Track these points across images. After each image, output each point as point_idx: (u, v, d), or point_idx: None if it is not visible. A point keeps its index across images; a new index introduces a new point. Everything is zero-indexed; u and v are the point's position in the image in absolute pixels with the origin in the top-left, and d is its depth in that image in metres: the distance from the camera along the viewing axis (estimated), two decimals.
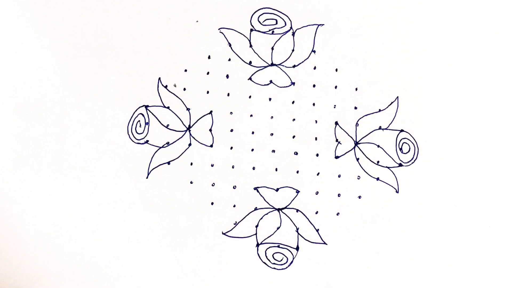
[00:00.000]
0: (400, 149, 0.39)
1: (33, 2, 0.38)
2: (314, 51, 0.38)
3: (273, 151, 0.39)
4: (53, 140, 0.39)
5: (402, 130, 0.39)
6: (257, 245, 0.39)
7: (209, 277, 0.39)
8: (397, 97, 0.38)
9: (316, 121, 0.39)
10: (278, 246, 0.39)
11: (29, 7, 0.38)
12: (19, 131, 0.39)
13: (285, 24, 0.38)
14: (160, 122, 0.38)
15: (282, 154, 0.39)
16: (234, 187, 0.39)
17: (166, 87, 0.38)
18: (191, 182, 0.39)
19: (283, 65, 0.38)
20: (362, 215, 0.39)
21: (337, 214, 0.39)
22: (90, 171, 0.39)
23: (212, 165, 0.39)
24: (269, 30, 0.38)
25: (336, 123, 0.39)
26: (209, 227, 0.39)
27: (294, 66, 0.38)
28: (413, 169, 0.39)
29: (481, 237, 0.38)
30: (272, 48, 0.38)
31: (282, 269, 0.39)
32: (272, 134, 0.39)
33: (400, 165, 0.39)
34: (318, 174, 0.39)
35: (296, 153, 0.39)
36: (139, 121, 0.39)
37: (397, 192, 0.39)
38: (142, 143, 0.39)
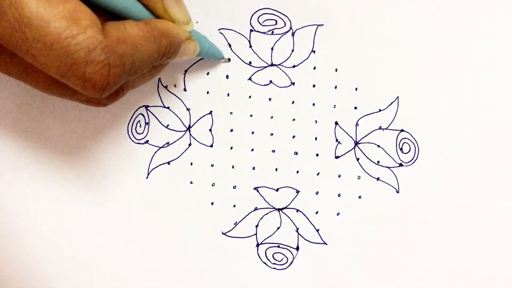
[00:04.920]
0: (401, 149, 0.39)
1: None
2: (314, 51, 0.38)
3: (273, 151, 0.39)
4: (53, 140, 0.39)
5: (402, 130, 0.39)
6: (257, 245, 0.39)
7: (209, 277, 0.39)
8: (397, 97, 0.38)
9: (316, 121, 0.39)
10: (278, 246, 0.39)
11: None
12: (19, 130, 0.39)
13: (285, 25, 0.38)
14: (160, 122, 0.39)
15: (282, 154, 0.39)
16: (234, 187, 0.39)
17: (166, 87, 0.39)
18: (191, 182, 0.39)
19: (283, 65, 0.39)
20: (363, 215, 0.39)
21: (337, 214, 0.39)
22: (90, 171, 0.39)
23: (212, 165, 0.39)
24: (269, 31, 0.38)
25: (336, 123, 0.39)
26: (209, 227, 0.39)
27: (294, 66, 0.39)
28: (414, 169, 0.39)
29: (481, 237, 0.38)
30: (272, 49, 0.38)
31: (282, 269, 0.39)
32: (272, 134, 0.39)
33: (401, 165, 0.39)
34: (318, 174, 0.39)
35: (296, 153, 0.39)
36: (139, 121, 0.39)
37: (397, 192, 0.39)
38: (142, 143, 0.39)
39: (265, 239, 0.39)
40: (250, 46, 0.38)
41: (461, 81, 0.38)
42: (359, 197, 0.39)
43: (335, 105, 0.39)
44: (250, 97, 0.39)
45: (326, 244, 0.39)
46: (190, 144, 0.39)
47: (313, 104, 0.39)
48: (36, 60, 0.27)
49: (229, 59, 0.38)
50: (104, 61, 0.27)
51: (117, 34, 0.28)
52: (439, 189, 0.38)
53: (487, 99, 0.38)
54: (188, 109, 0.39)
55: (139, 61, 0.29)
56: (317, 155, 0.39)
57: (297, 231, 0.39)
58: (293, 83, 0.39)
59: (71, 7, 0.26)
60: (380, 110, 0.39)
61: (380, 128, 0.39)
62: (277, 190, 0.39)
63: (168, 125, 0.39)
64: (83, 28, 0.26)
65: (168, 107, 0.39)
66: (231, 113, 0.39)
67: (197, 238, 0.39)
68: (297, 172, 0.39)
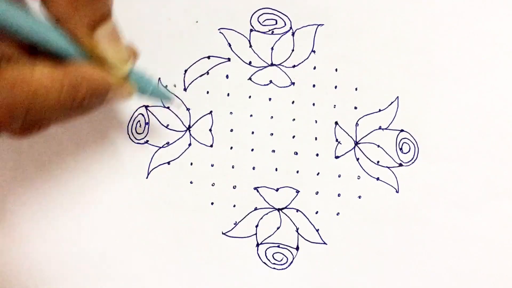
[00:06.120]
0: (400, 149, 0.39)
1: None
2: (314, 51, 0.38)
3: (273, 151, 0.39)
4: (53, 140, 0.39)
5: (402, 130, 0.39)
6: (257, 245, 0.39)
7: (209, 277, 0.39)
8: (397, 97, 0.38)
9: (316, 121, 0.39)
10: (278, 246, 0.39)
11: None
12: None
13: (285, 24, 0.38)
14: (160, 122, 0.39)
15: (282, 154, 0.39)
16: (234, 187, 0.39)
17: (166, 87, 0.38)
18: (191, 182, 0.39)
19: (283, 65, 0.38)
20: (362, 215, 0.39)
21: (337, 214, 0.39)
22: (90, 171, 0.39)
23: (212, 165, 0.39)
24: (269, 30, 0.38)
25: (336, 123, 0.39)
26: (209, 227, 0.39)
27: (294, 66, 0.38)
28: (413, 169, 0.39)
29: (481, 237, 0.38)
30: (272, 48, 0.38)
31: (282, 269, 0.39)
32: (272, 134, 0.39)
33: (400, 165, 0.39)
34: (318, 174, 0.39)
35: (296, 153, 0.39)
36: (139, 121, 0.39)
37: (397, 192, 0.39)
38: (142, 143, 0.39)
39: (265, 239, 0.39)
40: (250, 46, 0.38)
41: (461, 81, 0.38)
42: (359, 197, 0.39)
43: (335, 105, 0.39)
44: (250, 97, 0.39)
45: (326, 244, 0.39)
46: (190, 144, 0.39)
47: (313, 104, 0.39)
48: None
49: (184, 104, 0.37)
50: None
51: (15, 77, 0.26)
52: (439, 189, 0.38)
53: (487, 99, 0.38)
54: (188, 109, 0.39)
55: (40, 110, 0.27)
56: (317, 155, 0.39)
57: (297, 231, 0.39)
58: (293, 83, 0.39)
59: None
60: (380, 110, 0.39)
61: (380, 128, 0.39)
62: (277, 190, 0.39)
63: (168, 125, 0.39)
64: None
65: (168, 107, 0.39)
66: (231, 113, 0.39)
67: (197, 238, 0.39)
68: (297, 172, 0.39)
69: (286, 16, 0.38)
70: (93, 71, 0.28)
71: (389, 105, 0.39)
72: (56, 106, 0.27)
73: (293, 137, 0.39)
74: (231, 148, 0.39)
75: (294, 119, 0.39)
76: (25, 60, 0.27)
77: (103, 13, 0.28)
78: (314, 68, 0.39)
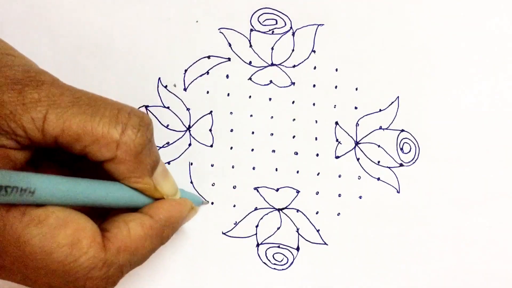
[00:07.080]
0: (401, 149, 0.39)
1: (32, 2, 0.38)
2: (314, 51, 0.38)
3: (273, 151, 0.39)
4: None
5: (402, 130, 0.39)
6: (257, 245, 0.39)
7: (209, 277, 0.39)
8: (398, 97, 0.38)
9: (316, 121, 0.39)
10: (279, 247, 0.39)
11: (28, 7, 0.38)
12: None
13: (285, 24, 0.38)
14: (160, 122, 0.39)
15: (282, 154, 0.39)
16: (234, 187, 0.39)
17: (166, 87, 0.38)
18: (191, 182, 0.39)
19: (283, 65, 0.38)
20: (363, 215, 0.39)
21: (338, 214, 0.39)
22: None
23: (212, 165, 0.39)
24: (269, 30, 0.38)
25: (336, 123, 0.39)
26: (209, 227, 0.39)
27: (294, 66, 0.38)
28: (414, 169, 0.39)
29: (481, 237, 0.38)
30: (272, 48, 0.38)
31: (282, 269, 0.39)
32: (272, 134, 0.39)
33: (401, 165, 0.39)
34: (318, 174, 0.39)
35: (296, 153, 0.39)
36: None
37: (398, 192, 0.39)
38: None
39: (265, 239, 0.39)
40: (250, 46, 0.38)
41: (461, 81, 0.38)
42: (360, 197, 0.39)
43: (335, 105, 0.39)
44: (250, 97, 0.39)
45: (327, 244, 0.39)
46: (190, 144, 0.39)
47: (313, 104, 0.39)
48: (35, 283, 0.28)
49: (208, 202, 0.38)
50: (104, 275, 0.28)
51: (118, 243, 0.29)
52: (439, 189, 0.38)
53: (487, 99, 0.38)
54: (188, 109, 0.39)
55: (139, 260, 0.31)
56: (317, 155, 0.39)
57: (297, 231, 0.39)
58: (293, 83, 0.39)
59: (70, 230, 0.27)
60: (380, 110, 0.39)
61: (380, 128, 0.39)
62: (277, 190, 0.39)
63: (168, 125, 0.39)
64: (84, 248, 0.27)
65: (168, 107, 0.39)
66: (231, 113, 0.39)
67: (197, 238, 0.39)
68: (297, 172, 0.39)
69: (286, 16, 0.38)
70: (172, 211, 0.32)
71: (389, 105, 0.38)
72: (149, 253, 0.31)
73: (293, 137, 0.39)
74: (231, 148, 0.39)
75: (294, 119, 0.39)
76: (116, 227, 0.30)
77: (156, 158, 0.31)
78: (314, 68, 0.38)
